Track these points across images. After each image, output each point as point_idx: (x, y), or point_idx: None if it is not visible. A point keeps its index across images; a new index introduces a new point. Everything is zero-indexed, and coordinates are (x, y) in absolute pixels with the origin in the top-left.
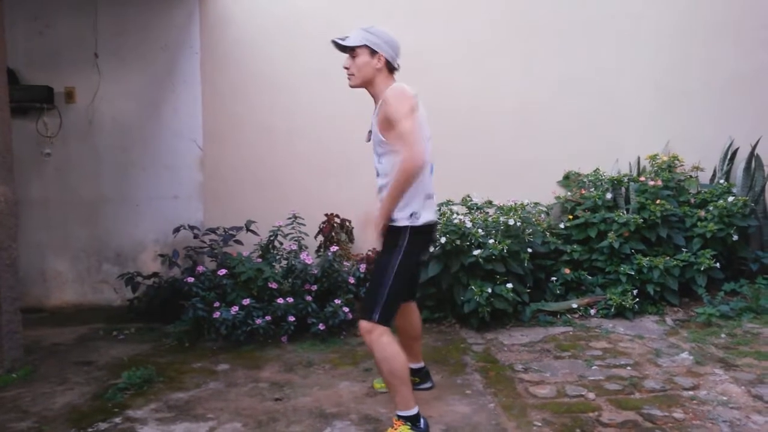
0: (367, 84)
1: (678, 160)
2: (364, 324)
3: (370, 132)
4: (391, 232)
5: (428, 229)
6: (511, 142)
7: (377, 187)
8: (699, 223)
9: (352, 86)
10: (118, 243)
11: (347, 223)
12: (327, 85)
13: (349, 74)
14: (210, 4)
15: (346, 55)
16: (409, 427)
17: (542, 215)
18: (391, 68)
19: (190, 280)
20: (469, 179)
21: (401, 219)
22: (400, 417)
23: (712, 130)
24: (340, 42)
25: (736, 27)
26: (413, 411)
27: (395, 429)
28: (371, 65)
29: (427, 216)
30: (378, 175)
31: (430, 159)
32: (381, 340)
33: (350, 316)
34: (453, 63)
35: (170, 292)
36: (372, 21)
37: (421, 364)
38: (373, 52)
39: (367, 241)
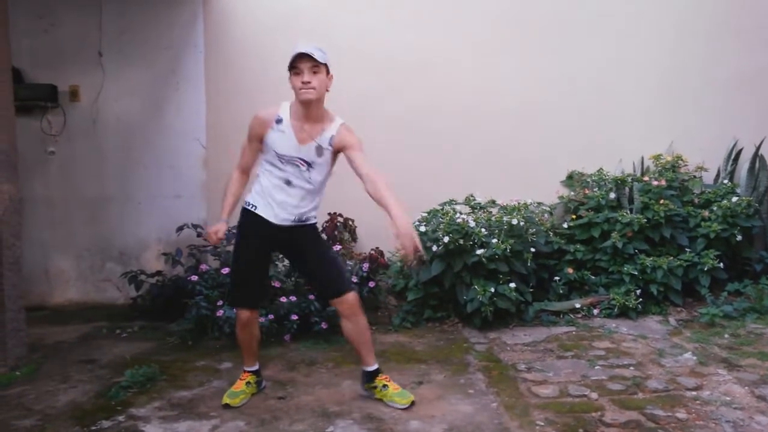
0: (318, 101)
1: (682, 160)
2: (354, 294)
3: (299, 158)
4: (315, 231)
5: None
6: (514, 142)
7: (295, 204)
8: (703, 224)
9: (310, 99)
10: (122, 241)
11: (350, 223)
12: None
13: (309, 88)
14: (214, 3)
15: (308, 67)
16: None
17: (545, 215)
18: None
19: (194, 278)
20: (472, 179)
21: (315, 216)
22: (380, 370)
23: (716, 130)
24: (316, 56)
25: (739, 26)
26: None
27: (389, 381)
28: (326, 84)
29: None
30: (294, 190)
31: None
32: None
33: None
34: (455, 62)
35: (173, 291)
36: (374, 20)
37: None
38: (328, 72)
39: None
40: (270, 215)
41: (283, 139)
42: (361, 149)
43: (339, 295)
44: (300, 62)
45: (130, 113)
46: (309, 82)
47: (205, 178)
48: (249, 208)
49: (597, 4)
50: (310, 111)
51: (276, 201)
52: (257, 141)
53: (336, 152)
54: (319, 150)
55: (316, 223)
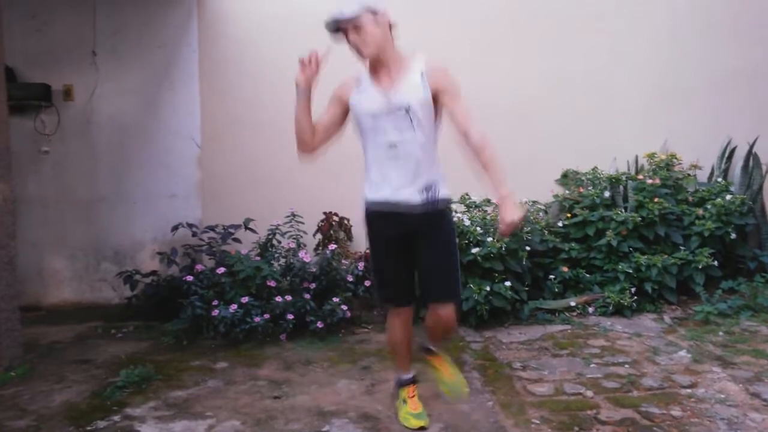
0: (381, 50)
1: (676, 158)
2: (453, 312)
3: (392, 106)
4: (441, 213)
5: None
6: (510, 141)
7: (413, 170)
8: (697, 222)
9: (367, 56)
10: (116, 241)
11: (346, 222)
12: (324, 82)
13: (360, 47)
14: (208, 2)
15: (350, 29)
16: None
17: (540, 214)
18: (391, 28)
19: (189, 278)
20: (468, 178)
21: (445, 190)
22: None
23: (710, 128)
24: (341, 18)
25: (734, 25)
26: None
27: (411, 397)
28: (379, 32)
29: None
30: (403, 150)
31: None
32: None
33: (348, 314)
34: (450, 60)
35: (169, 291)
36: None
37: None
38: (374, 13)
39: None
40: (393, 198)
41: (366, 96)
42: (459, 97)
43: (438, 301)
44: (341, 30)
45: (124, 113)
46: (356, 44)
47: (200, 177)
48: (368, 201)
49: (592, 4)
50: (381, 61)
51: (392, 179)
52: (337, 105)
53: (434, 95)
54: (411, 86)
55: (449, 209)
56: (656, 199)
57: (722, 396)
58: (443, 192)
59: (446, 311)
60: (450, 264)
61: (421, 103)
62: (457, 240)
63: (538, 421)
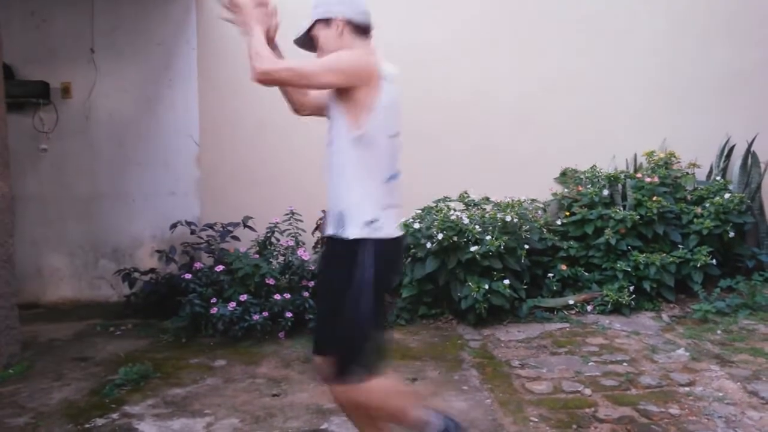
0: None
1: (675, 157)
2: (339, 388)
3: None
4: (343, 248)
5: (394, 245)
6: (509, 139)
7: (330, 187)
8: (695, 220)
9: None
10: (115, 239)
11: None
12: None
13: None
14: None
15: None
16: None
17: (539, 212)
18: (361, 30)
19: (188, 276)
20: (467, 176)
21: (356, 226)
22: None
23: (709, 127)
24: (299, 38)
25: (732, 24)
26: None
27: None
28: (332, 37)
29: (390, 228)
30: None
31: (395, 166)
32: (371, 390)
33: None
34: (450, 60)
35: (167, 288)
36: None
37: None
38: (327, 22)
39: None
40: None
41: None
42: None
43: (314, 352)
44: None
45: (122, 110)
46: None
47: (198, 175)
48: None
49: (593, 3)
50: None
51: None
52: None
53: (344, 90)
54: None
55: (346, 235)
56: (655, 198)
57: (720, 394)
58: (355, 226)
59: (316, 361)
60: (331, 311)
61: (333, 104)
62: (366, 290)
63: (536, 419)
